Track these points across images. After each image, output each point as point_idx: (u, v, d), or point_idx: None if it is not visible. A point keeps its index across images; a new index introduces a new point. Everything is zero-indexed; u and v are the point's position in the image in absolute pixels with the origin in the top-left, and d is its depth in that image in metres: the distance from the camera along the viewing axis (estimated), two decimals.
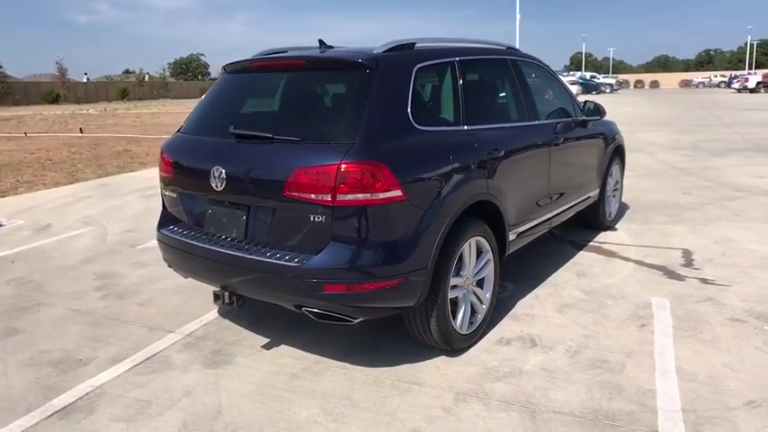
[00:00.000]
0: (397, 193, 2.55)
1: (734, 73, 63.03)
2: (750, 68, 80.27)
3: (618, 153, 5.32)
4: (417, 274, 2.68)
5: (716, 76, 63.74)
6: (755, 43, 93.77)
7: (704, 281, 4.04)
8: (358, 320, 2.73)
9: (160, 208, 3.48)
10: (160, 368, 3.04)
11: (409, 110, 2.78)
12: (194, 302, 3.94)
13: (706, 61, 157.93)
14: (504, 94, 3.83)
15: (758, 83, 37.15)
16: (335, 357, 3.09)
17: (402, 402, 2.65)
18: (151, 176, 9.42)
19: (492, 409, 2.57)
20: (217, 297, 2.95)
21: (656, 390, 2.68)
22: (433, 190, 2.76)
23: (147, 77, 80.00)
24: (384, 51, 2.89)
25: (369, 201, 2.50)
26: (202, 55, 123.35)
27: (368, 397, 2.70)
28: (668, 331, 3.27)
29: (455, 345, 3.01)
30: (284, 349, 3.21)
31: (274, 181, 2.66)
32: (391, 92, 2.76)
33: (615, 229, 5.40)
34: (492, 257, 3.23)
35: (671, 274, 4.21)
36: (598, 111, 4.55)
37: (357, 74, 2.80)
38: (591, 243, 5.03)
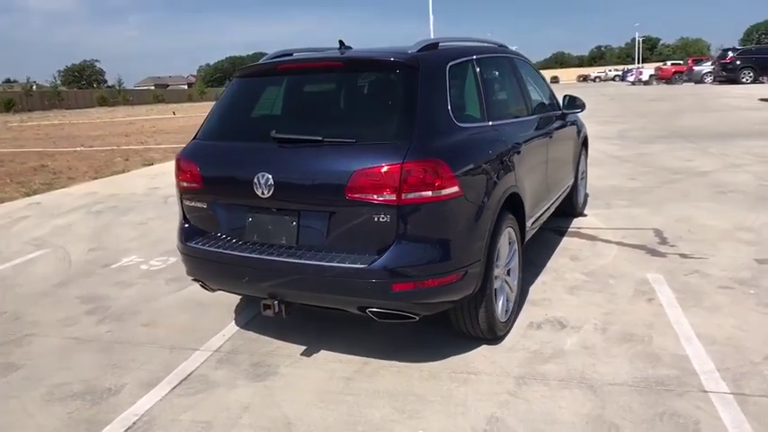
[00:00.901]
0: (455, 189, 2.62)
1: (627, 67, 68.23)
2: (638, 62, 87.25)
3: (584, 143, 5.69)
4: (474, 266, 2.77)
5: (611, 71, 68.70)
6: (641, 39, 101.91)
7: (683, 256, 4.43)
8: (418, 317, 2.77)
9: (140, 223, 3.34)
10: (203, 387, 2.92)
11: (449, 107, 2.87)
12: (206, 318, 3.79)
13: (598, 57, 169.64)
14: (511, 90, 4.01)
15: (651, 75, 40.59)
16: (381, 357, 3.11)
17: (468, 392, 2.72)
18: (91, 191, 8.83)
19: (554, 388, 2.71)
20: (266, 307, 2.87)
21: (687, 355, 2.93)
22: (482, 184, 2.86)
23: (34, 87, 73.85)
24: (419, 51, 2.94)
25: (431, 198, 2.56)
26: (97, 61, 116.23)
27: (432, 391, 2.75)
28: (674, 303, 3.57)
29: (498, 333, 3.13)
30: (325, 355, 3.18)
31: (332, 184, 2.64)
32: (434, 90, 2.83)
33: (586, 215, 5.77)
34: (518, 247, 3.39)
35: (653, 251, 4.58)
36: (577, 103, 4.86)
37: (401, 74, 2.84)
38: (570, 229, 5.34)
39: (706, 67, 31.15)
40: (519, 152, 3.39)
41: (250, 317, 3.73)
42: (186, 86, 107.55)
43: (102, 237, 6.09)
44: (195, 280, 3.30)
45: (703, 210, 5.72)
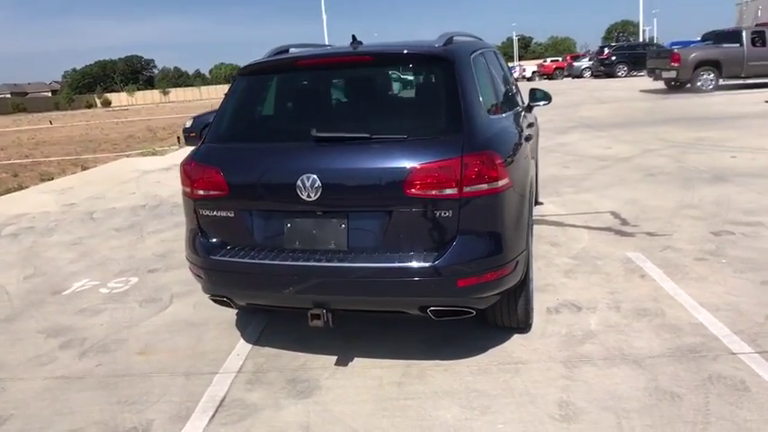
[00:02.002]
0: (507, 180, 2.64)
1: (509, 64, 72.32)
2: (516, 60, 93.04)
3: (538, 134, 5.96)
4: (522, 255, 2.80)
5: None
6: (517, 38, 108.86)
7: (650, 234, 4.80)
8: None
9: (73, 243, 3.02)
10: (246, 412, 2.69)
11: (480, 99, 2.87)
12: (207, 339, 3.49)
13: None
14: (504, 82, 4.09)
15: (533, 72, 43.42)
16: (420, 358, 3.05)
17: (525, 381, 2.75)
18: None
19: (602, 367, 2.82)
20: (315, 317, 2.69)
21: (702, 322, 3.18)
22: (520, 174, 2.90)
23: None
24: (446, 44, 2.91)
25: (488, 190, 2.55)
26: None
27: (489, 385, 2.75)
28: (664, 277, 3.86)
29: (530, 321, 3.19)
30: (361, 362, 3.06)
31: (389, 182, 2.54)
32: (469, 82, 2.81)
33: (542, 203, 6.05)
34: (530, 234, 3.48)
35: (620, 232, 4.91)
36: (546, 96, 5.08)
37: (440, 67, 2.81)
38: (535, 217, 5.57)
39: (584, 62, 33.99)
40: (528, 141, 3.49)
41: (258, 332, 3.49)
42: (50, 93, 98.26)
43: (33, 262, 5.40)
44: (216, 297, 3.02)
45: (643, 191, 6.23)
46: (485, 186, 2.53)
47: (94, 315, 4.01)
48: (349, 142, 2.66)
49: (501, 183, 2.59)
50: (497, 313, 3.07)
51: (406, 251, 2.59)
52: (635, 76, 26.92)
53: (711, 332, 3.07)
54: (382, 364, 3.03)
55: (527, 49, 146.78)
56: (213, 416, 2.68)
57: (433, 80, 2.83)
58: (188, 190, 2.96)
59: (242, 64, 3.57)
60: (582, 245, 4.67)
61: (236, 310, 3.78)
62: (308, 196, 2.62)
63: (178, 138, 15.39)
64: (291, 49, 3.44)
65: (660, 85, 18.58)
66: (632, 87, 20.18)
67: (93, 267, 5.09)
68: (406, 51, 2.95)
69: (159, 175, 10.21)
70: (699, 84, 16.24)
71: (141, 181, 9.67)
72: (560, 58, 44.57)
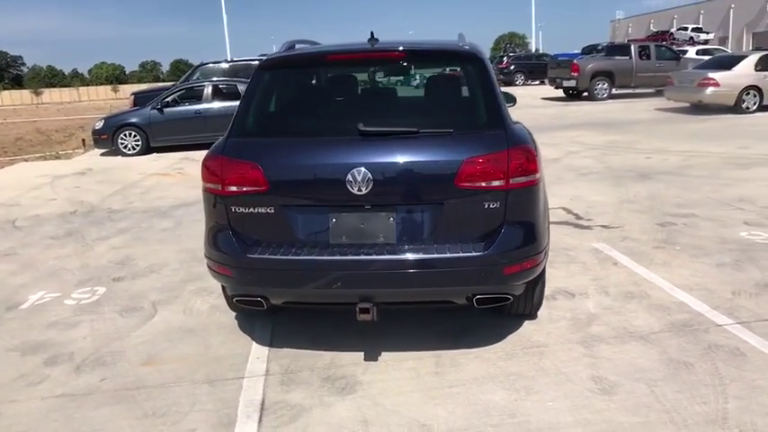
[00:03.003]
0: (539, 173, 2.82)
1: None
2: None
3: None
4: (548, 244, 2.99)
5: None
6: None
7: (605, 227, 5.25)
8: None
9: (5, 254, 2.89)
10: (295, 412, 2.63)
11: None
12: (215, 344, 3.35)
13: None
14: None
15: None
16: (446, 348, 3.14)
17: (554, 362, 2.94)
18: None
19: (616, 345, 3.09)
20: (364, 311, 2.69)
21: (683, 301, 3.57)
22: (542, 168, 3.08)
23: None
24: (467, 44, 3.04)
25: (528, 182, 2.72)
26: None
27: (523, 367, 2.91)
28: (634, 264, 4.26)
29: (539, 308, 3.40)
30: (390, 356, 3.09)
31: (440, 174, 2.62)
32: (496, 80, 2.97)
33: None
34: None
35: (578, 225, 5.33)
36: (512, 99, 5.36)
37: (474, 65, 2.95)
38: None
39: None
40: None
41: (268, 335, 3.40)
42: None
43: None
44: (247, 298, 2.90)
45: (583, 189, 6.78)
46: (526, 178, 2.70)
47: (70, 328, 3.67)
48: (396, 136, 2.71)
49: (537, 175, 2.77)
50: (516, 301, 3.24)
51: (455, 242, 2.68)
52: (530, 84, 28.85)
53: (694, 309, 3.46)
54: (411, 356, 3.09)
55: None
56: (261, 419, 2.60)
57: (471, 77, 2.94)
58: (216, 186, 2.82)
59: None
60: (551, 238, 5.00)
61: (235, 314, 3.65)
62: (359, 190, 2.62)
63: (83, 140, 14.26)
64: (297, 45, 3.41)
65: (559, 93, 20.11)
66: (533, 95, 21.60)
67: (45, 278, 4.63)
68: (442, 49, 3.05)
69: (76, 179, 9.40)
70: (595, 92, 17.81)
71: (57, 186, 8.85)
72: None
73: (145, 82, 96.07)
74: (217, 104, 12.12)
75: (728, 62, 13.24)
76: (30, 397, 2.89)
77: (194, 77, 15.53)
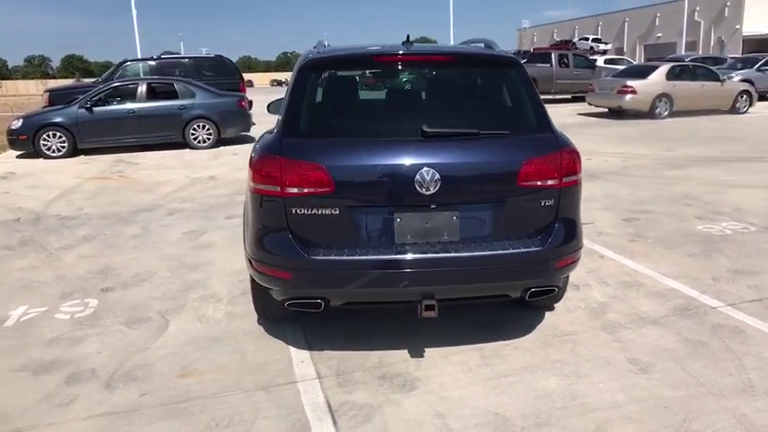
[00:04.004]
0: (581, 173, 3.03)
1: None
2: None
3: None
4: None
5: None
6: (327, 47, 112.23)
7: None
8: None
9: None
10: (366, 412, 2.66)
11: None
12: (249, 351, 3.27)
13: (285, 62, 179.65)
14: None
15: None
16: (484, 341, 3.28)
17: (588, 348, 3.17)
18: None
19: (634, 329, 3.38)
20: (429, 308, 2.76)
21: (675, 288, 3.96)
22: None
23: None
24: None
25: (575, 181, 2.94)
26: None
27: (563, 354, 3.11)
28: (619, 256, 4.63)
29: None
30: (435, 351, 3.18)
31: (503, 173, 2.77)
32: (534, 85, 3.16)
33: None
34: None
35: None
36: None
37: (516, 70, 3.11)
38: None
39: None
40: None
41: (301, 338, 3.37)
42: None
43: None
44: (305, 300, 2.86)
45: None
46: (574, 177, 2.92)
47: (77, 343, 3.42)
48: (458, 137, 2.82)
49: (581, 175, 2.99)
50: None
51: (513, 238, 2.83)
52: None
53: (687, 294, 3.85)
54: (454, 350, 3.20)
55: None
56: (335, 421, 2.60)
57: (513, 82, 3.10)
58: (273, 188, 2.75)
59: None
60: None
61: (258, 320, 3.58)
62: (426, 190, 2.70)
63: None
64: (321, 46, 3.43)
65: None
66: None
67: (18, 292, 4.25)
68: (485, 54, 3.19)
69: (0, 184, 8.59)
70: None
71: None
72: None
73: (31, 78, 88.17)
74: (152, 104, 11.53)
75: (643, 71, 14.56)
76: (67, 418, 2.69)
77: (117, 75, 14.67)
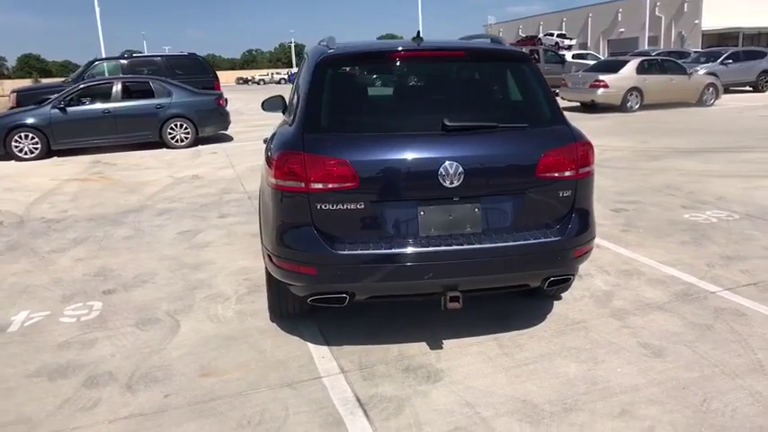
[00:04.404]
0: (594, 164, 3.12)
1: (290, 70, 73.55)
2: (291, 67, 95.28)
3: None
4: None
5: (278, 73, 72.99)
6: (294, 44, 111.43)
7: None
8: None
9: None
10: (396, 404, 2.70)
11: None
12: (267, 348, 3.27)
13: (250, 60, 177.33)
14: None
15: None
16: (498, 331, 3.35)
17: (600, 335, 3.27)
18: None
19: (642, 315, 3.50)
20: (454, 299, 2.82)
21: (674, 275, 4.10)
22: None
23: None
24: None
25: (588, 172, 3.04)
26: None
27: (578, 342, 3.20)
28: (615, 245, 4.77)
29: None
30: (453, 342, 3.24)
31: (523, 165, 2.84)
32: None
33: None
34: None
35: None
36: None
37: (528, 65, 3.18)
38: None
39: None
40: None
41: (317, 334, 3.38)
42: None
43: None
44: (330, 295, 2.87)
45: None
46: (588, 168, 3.01)
47: (88, 347, 3.36)
48: (478, 131, 2.87)
49: (594, 166, 3.08)
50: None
51: (532, 229, 2.90)
52: None
53: (686, 280, 4.00)
54: (471, 341, 3.26)
55: (299, 55, 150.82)
56: (367, 414, 2.63)
57: (525, 76, 3.16)
58: (297, 184, 2.75)
59: None
60: None
61: (270, 317, 3.58)
62: (450, 183, 2.74)
63: None
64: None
65: None
66: None
67: (17, 297, 4.14)
68: (498, 50, 3.25)
69: None
70: None
71: None
72: None
73: None
74: (128, 103, 11.28)
75: (614, 66, 14.93)
76: (93, 422, 2.65)
77: (87, 74, 14.28)
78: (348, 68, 3.18)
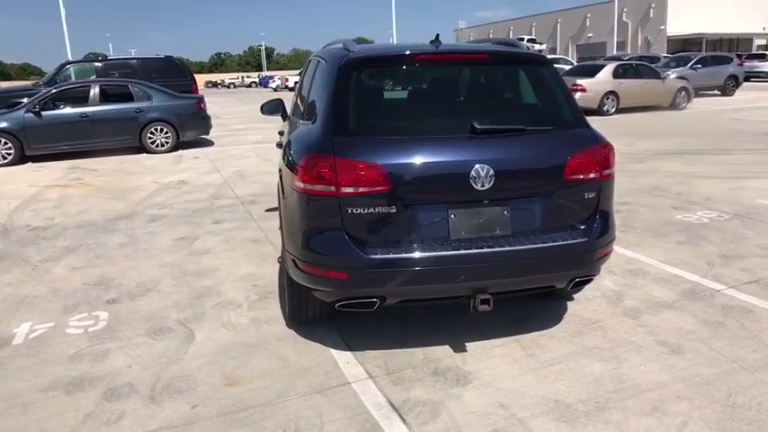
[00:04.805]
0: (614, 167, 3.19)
1: (262, 74, 72.86)
2: (265, 70, 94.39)
3: None
4: None
5: (249, 77, 72.08)
6: (264, 47, 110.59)
7: None
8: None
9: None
10: (431, 407, 2.70)
11: None
12: (289, 355, 3.23)
13: (219, 63, 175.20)
14: None
15: (295, 82, 44.98)
16: (518, 333, 3.38)
17: (617, 334, 3.33)
18: None
19: (654, 314, 3.58)
20: (484, 302, 2.82)
21: (677, 274, 4.21)
22: None
23: None
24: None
25: (610, 174, 3.09)
26: None
27: (597, 341, 3.26)
28: (614, 246, 4.85)
29: None
30: (476, 345, 3.25)
31: (551, 167, 2.87)
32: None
33: None
34: None
35: None
36: None
37: (548, 69, 3.22)
38: None
39: None
40: None
41: (338, 339, 3.36)
42: None
43: None
44: (358, 301, 2.85)
45: None
46: (610, 170, 3.07)
47: (101, 358, 3.26)
48: (507, 133, 2.90)
49: (614, 168, 3.15)
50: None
51: (559, 230, 2.94)
52: None
53: (690, 279, 4.11)
54: (494, 344, 3.28)
55: (269, 59, 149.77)
56: (403, 419, 2.62)
57: (546, 80, 3.20)
58: (327, 188, 2.72)
59: None
60: None
61: (287, 324, 3.54)
62: (482, 186, 2.76)
63: None
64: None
65: None
66: None
67: (15, 309, 3.98)
68: (519, 53, 3.29)
69: None
70: None
71: None
72: None
73: None
74: (106, 107, 11.01)
75: (591, 70, 15.28)
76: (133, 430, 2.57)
77: (59, 78, 13.90)
78: (372, 71, 3.18)
